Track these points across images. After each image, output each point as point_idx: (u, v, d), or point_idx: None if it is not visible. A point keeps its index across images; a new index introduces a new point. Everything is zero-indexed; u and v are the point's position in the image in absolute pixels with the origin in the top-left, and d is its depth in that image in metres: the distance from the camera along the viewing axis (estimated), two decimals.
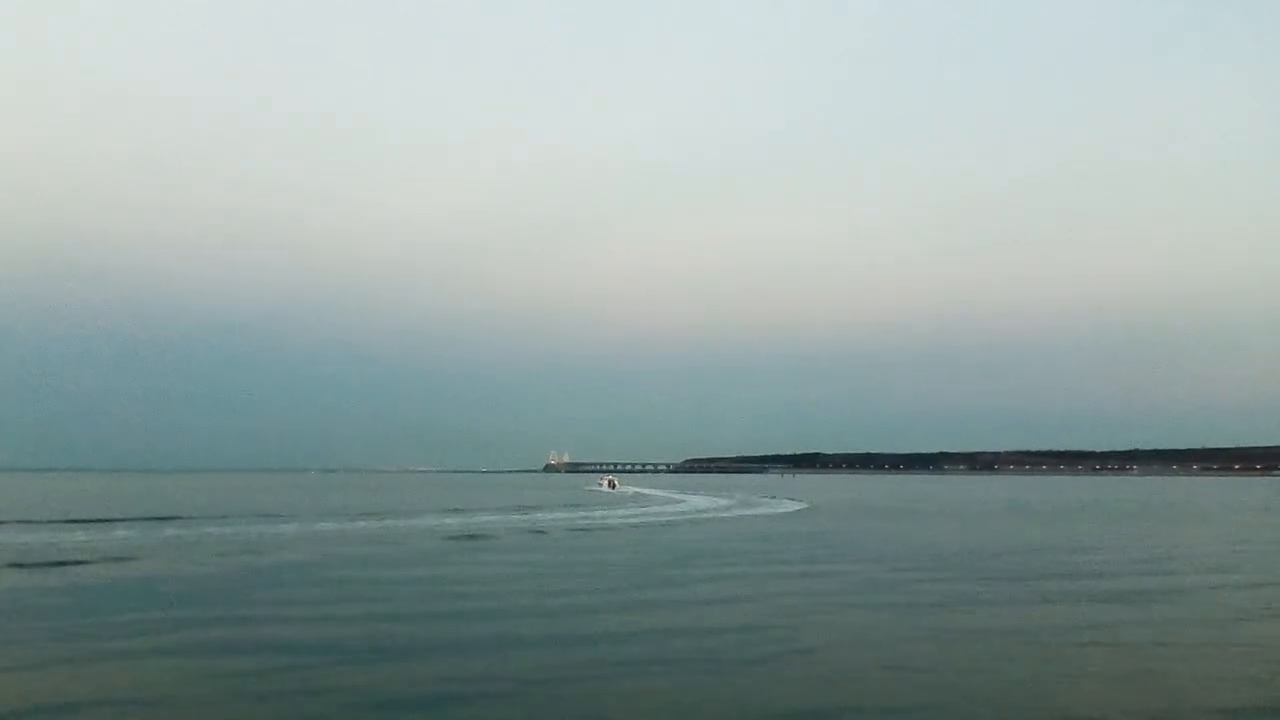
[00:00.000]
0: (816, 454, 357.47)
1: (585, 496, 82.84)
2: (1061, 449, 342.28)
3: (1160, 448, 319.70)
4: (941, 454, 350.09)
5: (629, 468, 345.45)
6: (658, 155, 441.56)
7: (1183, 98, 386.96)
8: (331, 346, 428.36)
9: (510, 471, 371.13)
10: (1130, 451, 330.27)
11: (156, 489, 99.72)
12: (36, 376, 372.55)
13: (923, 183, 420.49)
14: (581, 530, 38.95)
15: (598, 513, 55.32)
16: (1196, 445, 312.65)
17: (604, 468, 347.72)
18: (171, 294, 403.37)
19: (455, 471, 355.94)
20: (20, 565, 23.32)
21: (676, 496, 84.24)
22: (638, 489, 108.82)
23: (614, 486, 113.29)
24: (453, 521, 43.54)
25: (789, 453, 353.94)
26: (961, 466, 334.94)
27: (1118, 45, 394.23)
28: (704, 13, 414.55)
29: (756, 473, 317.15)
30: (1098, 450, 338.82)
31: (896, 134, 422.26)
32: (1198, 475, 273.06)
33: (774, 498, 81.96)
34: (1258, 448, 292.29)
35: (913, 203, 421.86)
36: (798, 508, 62.87)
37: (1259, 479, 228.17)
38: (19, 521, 40.73)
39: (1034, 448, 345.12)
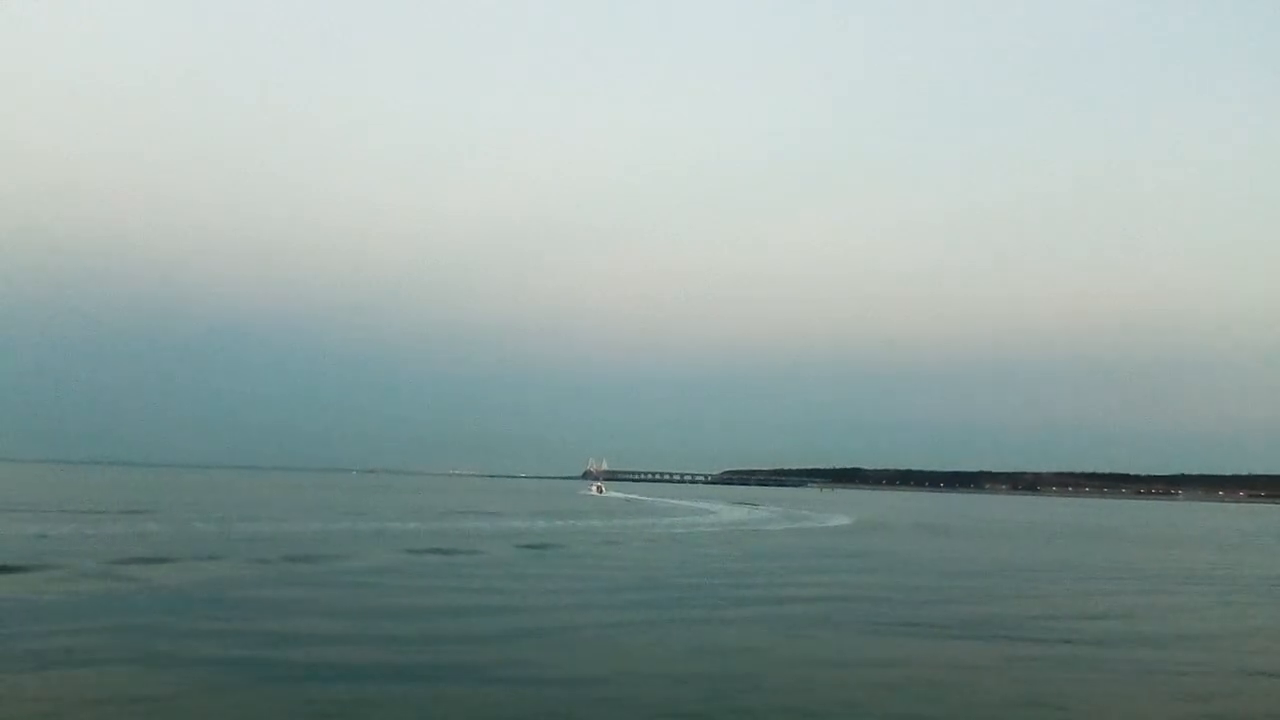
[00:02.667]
0: (856, 469, 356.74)
1: (627, 506, 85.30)
2: (1104, 471, 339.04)
3: (1206, 473, 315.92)
4: (983, 473, 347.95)
5: (667, 477, 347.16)
6: (699, 159, 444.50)
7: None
8: (370, 348, 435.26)
9: (549, 478, 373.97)
10: (1176, 476, 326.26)
11: (244, 487, 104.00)
12: (83, 374, 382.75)
13: (960, 190, 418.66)
14: (657, 540, 41.15)
15: (665, 520, 58.09)
16: (1243, 471, 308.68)
17: (642, 476, 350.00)
18: (217, 293, 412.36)
19: (495, 476, 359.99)
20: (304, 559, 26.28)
21: (720, 507, 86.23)
22: (672, 499, 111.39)
23: (601, 491, 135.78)
24: (533, 525, 46.37)
25: (828, 467, 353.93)
26: (1003, 486, 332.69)
27: (1128, 59, 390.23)
28: (732, 17, 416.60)
29: (795, 486, 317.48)
30: (1141, 474, 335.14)
31: (940, 138, 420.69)
32: (1244, 502, 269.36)
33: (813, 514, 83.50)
34: None
35: (955, 212, 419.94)
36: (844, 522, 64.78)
37: None
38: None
39: (1076, 469, 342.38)
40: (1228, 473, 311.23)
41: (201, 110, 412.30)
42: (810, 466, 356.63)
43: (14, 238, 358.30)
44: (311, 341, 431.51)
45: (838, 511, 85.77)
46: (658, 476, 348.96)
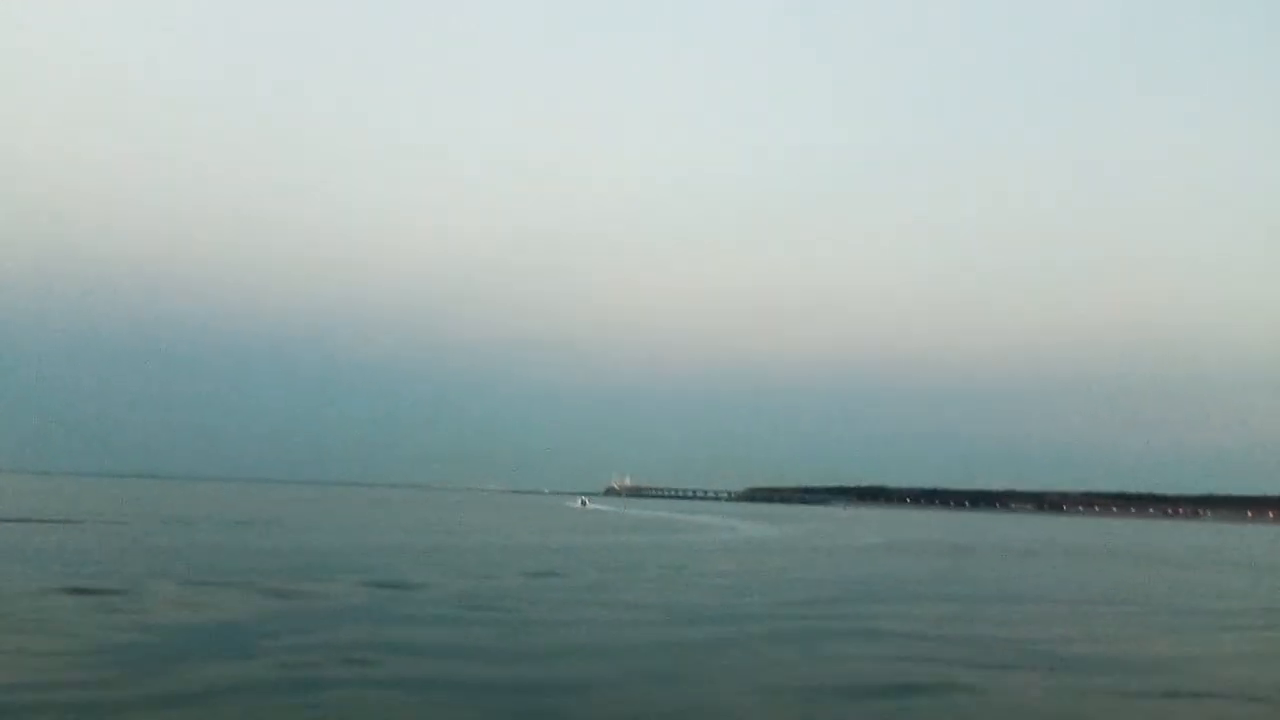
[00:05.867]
0: (881, 487, 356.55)
1: (676, 520, 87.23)
2: (1130, 491, 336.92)
3: (1234, 493, 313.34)
4: (1009, 492, 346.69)
5: (691, 494, 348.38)
6: (718, 177, 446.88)
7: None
8: (390, 362, 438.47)
9: (572, 493, 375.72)
10: (1203, 496, 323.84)
11: (298, 500, 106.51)
12: (107, 383, 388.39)
13: (977, 210, 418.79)
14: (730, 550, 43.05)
15: (722, 536, 60.18)
16: (1273, 492, 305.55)
17: (666, 494, 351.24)
18: (236, 306, 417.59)
19: (521, 492, 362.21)
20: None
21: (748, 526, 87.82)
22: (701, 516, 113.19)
23: (585, 505, 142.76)
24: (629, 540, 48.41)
25: (853, 485, 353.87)
26: (1028, 506, 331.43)
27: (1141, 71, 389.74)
28: (754, 27, 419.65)
29: (819, 504, 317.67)
30: (1168, 494, 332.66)
31: (958, 155, 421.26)
32: (1275, 524, 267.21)
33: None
34: None
35: (971, 236, 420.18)
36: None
37: None
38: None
39: (1101, 489, 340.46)
40: (1257, 493, 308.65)
41: (212, 119, 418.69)
42: (835, 485, 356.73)
43: (21, 248, 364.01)
44: (329, 355, 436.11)
45: (868, 530, 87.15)
46: (682, 494, 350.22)
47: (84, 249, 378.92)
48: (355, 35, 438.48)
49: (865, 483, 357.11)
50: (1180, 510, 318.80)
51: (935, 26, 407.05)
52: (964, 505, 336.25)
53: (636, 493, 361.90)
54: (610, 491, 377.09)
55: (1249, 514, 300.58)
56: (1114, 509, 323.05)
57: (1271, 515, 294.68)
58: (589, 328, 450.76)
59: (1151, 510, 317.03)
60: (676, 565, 35.13)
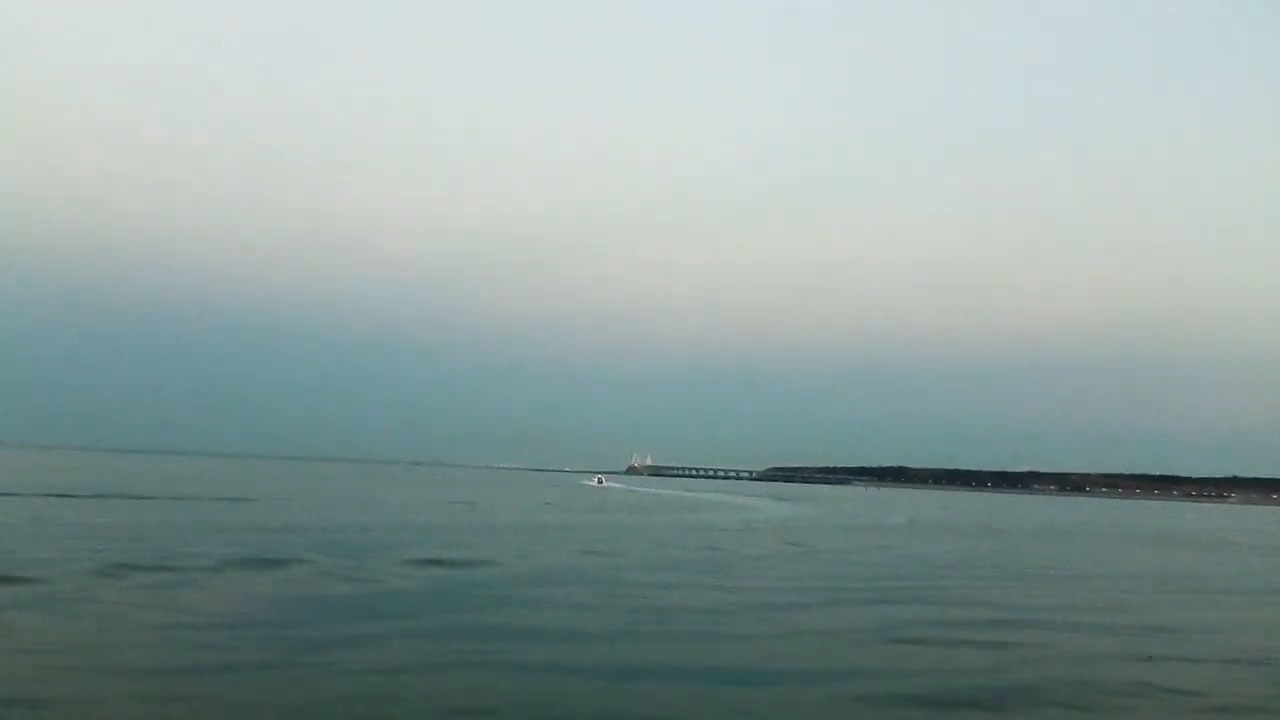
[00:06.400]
0: (902, 468, 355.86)
1: (701, 500, 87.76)
2: (1154, 473, 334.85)
3: (1261, 475, 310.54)
4: (1031, 473, 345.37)
5: (711, 473, 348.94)
6: (739, 158, 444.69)
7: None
8: (410, 341, 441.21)
9: (593, 471, 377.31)
10: (1228, 479, 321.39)
11: (331, 477, 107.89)
12: (130, 360, 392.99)
13: (1008, 190, 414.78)
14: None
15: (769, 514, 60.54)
16: None
17: (686, 473, 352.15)
18: (251, 285, 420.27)
19: (541, 470, 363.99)
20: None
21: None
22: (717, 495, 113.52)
23: (601, 483, 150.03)
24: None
25: (874, 465, 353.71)
26: (1051, 487, 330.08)
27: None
28: (779, 21, 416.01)
29: (841, 484, 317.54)
30: (1193, 476, 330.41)
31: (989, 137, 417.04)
32: None
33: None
34: None
35: (995, 215, 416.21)
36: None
37: None
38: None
39: (1124, 470, 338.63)
40: None
41: (218, 107, 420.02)
42: (856, 465, 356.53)
43: (45, 238, 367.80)
44: (351, 332, 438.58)
45: (895, 511, 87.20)
46: (702, 473, 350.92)
47: (102, 234, 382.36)
48: (360, 29, 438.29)
49: (886, 463, 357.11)
50: (1206, 492, 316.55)
51: (959, 18, 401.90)
52: (986, 486, 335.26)
53: (657, 472, 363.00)
54: (631, 470, 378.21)
55: (1275, 496, 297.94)
56: (1137, 490, 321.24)
57: None
58: (612, 309, 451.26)
59: (1175, 492, 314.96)
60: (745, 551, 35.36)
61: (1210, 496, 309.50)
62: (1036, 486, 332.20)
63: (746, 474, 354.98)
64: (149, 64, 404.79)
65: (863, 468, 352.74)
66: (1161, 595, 25.23)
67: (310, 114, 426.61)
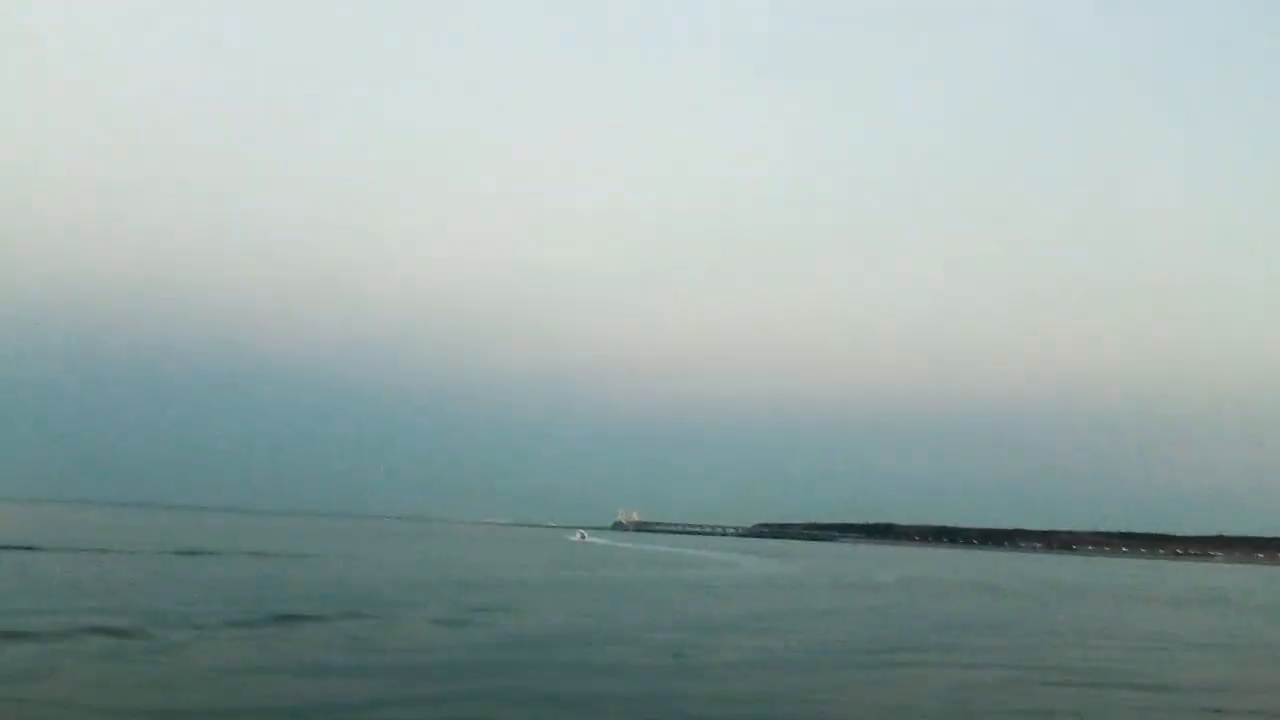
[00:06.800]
0: (890, 525, 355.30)
1: (686, 555, 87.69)
2: (1139, 531, 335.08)
3: (1245, 534, 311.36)
4: (1018, 530, 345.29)
5: (698, 529, 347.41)
6: (731, 208, 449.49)
7: None
8: (391, 394, 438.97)
9: (578, 527, 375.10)
10: (1213, 537, 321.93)
11: (340, 533, 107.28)
12: (139, 415, 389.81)
13: (1003, 253, 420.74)
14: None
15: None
16: None
17: (674, 529, 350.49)
18: (232, 332, 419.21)
19: (527, 525, 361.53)
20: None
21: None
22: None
23: (584, 538, 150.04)
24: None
25: (861, 522, 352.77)
26: (1037, 545, 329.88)
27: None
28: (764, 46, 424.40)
29: (827, 540, 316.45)
30: (1177, 534, 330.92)
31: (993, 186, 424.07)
32: None
33: None
34: None
35: (986, 271, 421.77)
36: None
37: None
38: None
39: (1110, 529, 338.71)
40: (1269, 534, 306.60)
41: (205, 140, 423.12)
42: (842, 521, 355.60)
43: (48, 273, 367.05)
44: (335, 385, 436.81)
45: (886, 570, 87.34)
46: (688, 529, 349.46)
47: (76, 270, 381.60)
48: (357, 67, 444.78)
49: (873, 519, 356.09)
50: (1191, 550, 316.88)
51: (956, 51, 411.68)
52: (972, 543, 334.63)
53: (643, 527, 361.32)
54: (618, 526, 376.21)
55: (1260, 555, 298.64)
56: (1123, 549, 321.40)
57: None
58: (598, 361, 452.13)
59: (1161, 550, 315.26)
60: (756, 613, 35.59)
61: (1196, 555, 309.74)
62: (1023, 544, 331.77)
63: (733, 530, 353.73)
64: (137, 84, 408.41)
65: (849, 524, 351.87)
66: (1195, 653, 25.72)
67: (286, 149, 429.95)
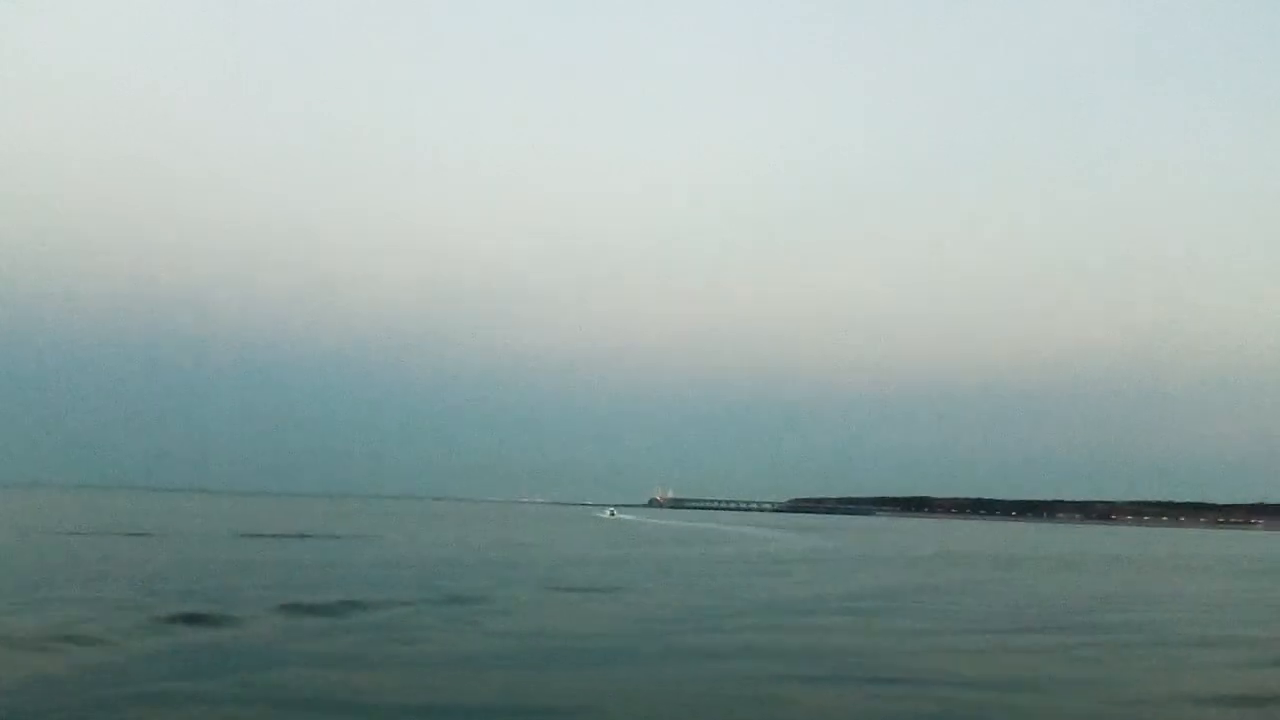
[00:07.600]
0: (925, 498, 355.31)
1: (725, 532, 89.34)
2: (1179, 500, 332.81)
3: None
4: (1056, 501, 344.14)
5: (734, 505, 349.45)
6: (771, 182, 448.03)
7: None
8: (431, 375, 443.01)
9: (616, 505, 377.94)
10: (1254, 505, 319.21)
11: (397, 514, 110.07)
12: (166, 401, 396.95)
13: (1027, 210, 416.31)
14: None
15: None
16: None
17: (709, 505, 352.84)
18: (268, 321, 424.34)
19: (564, 504, 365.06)
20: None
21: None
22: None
23: (613, 515, 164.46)
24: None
25: (897, 495, 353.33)
26: (1076, 515, 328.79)
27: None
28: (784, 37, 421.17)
29: (863, 514, 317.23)
30: (1217, 503, 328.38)
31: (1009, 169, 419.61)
32: None
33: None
34: None
35: (1017, 236, 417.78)
36: None
37: None
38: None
39: (1149, 497, 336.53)
40: None
41: (216, 131, 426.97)
42: (878, 495, 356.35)
43: (83, 262, 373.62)
44: (370, 368, 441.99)
45: (929, 544, 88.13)
46: (724, 505, 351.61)
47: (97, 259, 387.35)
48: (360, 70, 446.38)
49: (909, 493, 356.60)
50: (1233, 519, 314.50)
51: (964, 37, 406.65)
52: (1009, 515, 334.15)
53: (679, 504, 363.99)
54: (653, 503, 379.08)
55: None
56: (1163, 518, 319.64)
57: None
58: (634, 341, 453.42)
59: (1202, 519, 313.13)
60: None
61: (1238, 523, 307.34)
62: (1061, 515, 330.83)
63: (769, 505, 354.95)
64: (143, 78, 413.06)
65: (885, 498, 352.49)
66: None
67: (305, 136, 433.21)
